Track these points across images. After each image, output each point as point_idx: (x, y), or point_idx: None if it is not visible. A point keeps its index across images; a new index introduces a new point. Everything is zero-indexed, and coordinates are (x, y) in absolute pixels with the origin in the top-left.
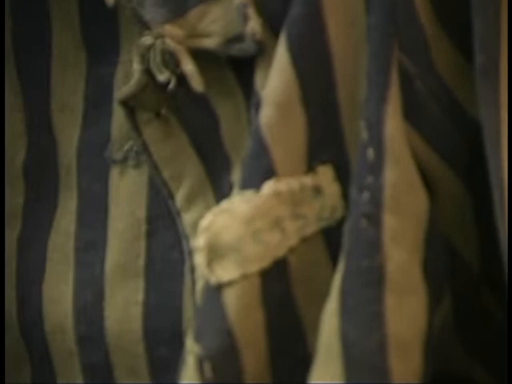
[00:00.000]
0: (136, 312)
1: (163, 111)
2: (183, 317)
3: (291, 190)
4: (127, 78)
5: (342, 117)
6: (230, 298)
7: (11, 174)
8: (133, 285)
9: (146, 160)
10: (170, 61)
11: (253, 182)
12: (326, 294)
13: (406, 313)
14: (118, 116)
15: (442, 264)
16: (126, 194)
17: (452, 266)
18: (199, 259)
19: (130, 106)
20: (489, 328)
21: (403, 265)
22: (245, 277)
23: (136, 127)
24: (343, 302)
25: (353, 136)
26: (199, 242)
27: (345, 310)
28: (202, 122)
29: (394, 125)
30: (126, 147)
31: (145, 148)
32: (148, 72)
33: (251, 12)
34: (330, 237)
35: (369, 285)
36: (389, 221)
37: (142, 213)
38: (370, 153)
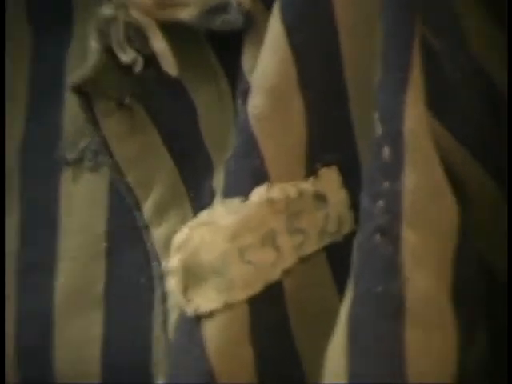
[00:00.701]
0: (93, 351)
1: (127, 100)
2: (152, 357)
3: (287, 197)
4: (82, 59)
5: (350, 107)
6: (212, 332)
7: None
8: (89, 317)
9: (107, 161)
10: (136, 37)
11: (239, 188)
12: (330, 327)
13: (432, 352)
14: (71, 106)
15: (476, 290)
16: (81, 202)
17: (488, 291)
18: (173, 285)
19: (86, 94)
20: None
21: (427, 292)
22: (230, 306)
23: (93, 120)
24: (353, 337)
25: (364, 131)
26: (173, 262)
27: (355, 348)
28: (176, 114)
29: (415, 116)
30: (81, 145)
31: (104, 146)
32: (108, 51)
33: None
34: (336, 256)
35: (385, 317)
36: (409, 236)
37: (100, 227)
38: (386, 152)
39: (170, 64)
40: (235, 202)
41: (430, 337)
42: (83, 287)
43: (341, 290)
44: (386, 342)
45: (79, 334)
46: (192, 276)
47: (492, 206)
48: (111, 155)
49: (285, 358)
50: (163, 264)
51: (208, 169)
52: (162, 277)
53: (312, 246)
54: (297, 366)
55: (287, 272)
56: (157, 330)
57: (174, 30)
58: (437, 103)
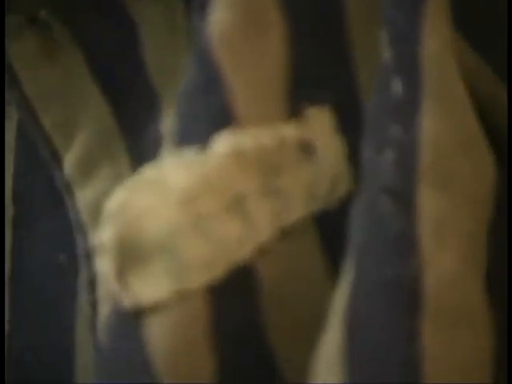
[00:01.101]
0: None
1: (43, 14)
2: (75, 365)
3: (261, 147)
4: None
5: (347, 23)
6: (158, 331)
7: None
8: None
9: (13, 97)
10: None
11: (197, 134)
12: (319, 325)
13: (457, 359)
14: None
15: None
16: None
17: None
18: (104, 266)
19: None
20: None
21: (453, 277)
22: (182, 296)
23: None
24: (351, 338)
25: (366, 56)
26: (104, 235)
27: (354, 352)
28: (108, 33)
29: (437, 35)
30: None
31: (11, 76)
32: None
33: None
34: (327, 227)
35: (395, 310)
36: (429, 201)
37: (8, 185)
38: (397, 85)
39: None
40: (190, 153)
41: (456, 338)
42: None
43: (334, 274)
44: (397, 345)
45: None
46: (131, 254)
47: None
48: (19, 89)
49: (256, 367)
50: (91, 238)
51: (152, 108)
52: (89, 255)
53: (295, 214)
54: (273, 376)
55: (261, 249)
56: (81, 329)
57: None
58: (466, 18)
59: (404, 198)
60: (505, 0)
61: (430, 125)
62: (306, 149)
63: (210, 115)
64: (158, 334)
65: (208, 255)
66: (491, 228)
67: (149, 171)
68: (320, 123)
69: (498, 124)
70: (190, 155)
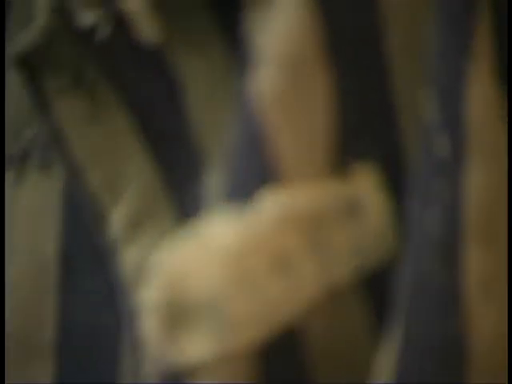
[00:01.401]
0: None
1: (88, 75)
2: None
3: (308, 205)
4: (26, 21)
5: (393, 83)
6: None
7: None
8: (35, 374)
9: (59, 157)
10: None
11: (242, 192)
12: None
13: None
14: (12, 83)
15: None
16: (26, 213)
17: None
18: (150, 324)
19: (33, 67)
20: None
21: (497, 332)
22: (228, 355)
23: (42, 102)
24: None
25: (411, 115)
26: (150, 295)
27: None
28: (152, 94)
29: (482, 96)
30: (26, 136)
31: (57, 137)
32: (61, 10)
33: None
34: (373, 286)
35: (443, 366)
36: (475, 259)
37: (50, 246)
38: (443, 142)
39: (148, 28)
40: (236, 211)
41: None
42: (27, 330)
43: (379, 333)
44: None
45: None
46: (177, 314)
47: None
48: (66, 149)
49: None
50: (136, 296)
51: (197, 167)
52: (134, 314)
53: (341, 271)
54: None
55: (307, 308)
56: None
57: None
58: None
59: (450, 255)
60: None
61: (475, 182)
62: (353, 207)
63: (256, 174)
64: None
65: (254, 314)
66: None
67: (194, 229)
68: (365, 179)
69: None
70: (236, 213)
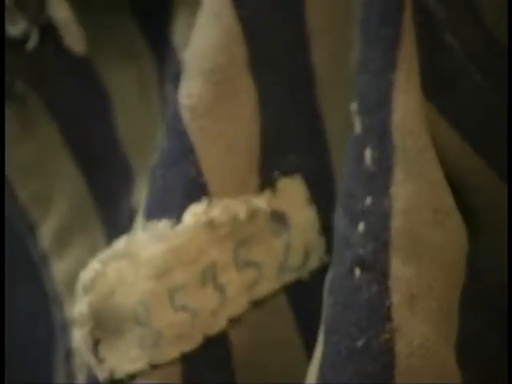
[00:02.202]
0: None
1: (18, 87)
2: None
3: (234, 219)
4: None
5: (318, 95)
6: None
7: None
8: None
9: None
10: (29, 2)
11: (169, 206)
12: None
13: None
14: None
15: (490, 343)
16: None
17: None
18: (79, 338)
19: None
20: None
21: (424, 345)
22: (156, 368)
23: None
24: None
25: (338, 127)
26: (79, 308)
27: None
28: (82, 106)
29: (406, 104)
30: None
31: None
32: None
33: None
34: (300, 299)
35: (368, 379)
36: (401, 271)
37: None
38: (368, 156)
39: (74, 38)
40: (163, 225)
41: None
42: None
43: (307, 346)
44: None
45: None
46: (105, 326)
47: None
48: None
49: None
50: (67, 309)
51: (126, 180)
52: (66, 327)
53: (268, 286)
54: None
55: (235, 321)
56: None
57: None
58: (437, 88)
59: (375, 268)
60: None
61: (401, 194)
62: (279, 220)
63: (182, 187)
64: None
65: (182, 326)
66: (464, 296)
67: (122, 244)
68: (292, 194)
69: (468, 192)
70: (161, 228)
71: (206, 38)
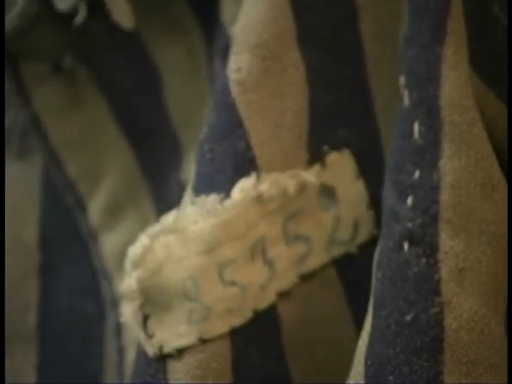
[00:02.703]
0: None
1: (67, 62)
2: None
3: (283, 193)
4: (6, 7)
5: (367, 70)
6: (181, 377)
7: None
8: (18, 358)
9: (38, 145)
10: None
11: (218, 180)
12: (342, 371)
13: None
14: None
15: None
16: (6, 200)
17: None
18: (128, 314)
19: (11, 55)
20: None
21: (473, 319)
22: (205, 342)
23: (20, 89)
24: (373, 382)
25: (386, 101)
26: (128, 284)
27: None
28: (131, 81)
29: (455, 81)
30: (6, 124)
31: (35, 124)
32: None
33: None
34: (349, 273)
35: (417, 355)
36: (450, 245)
37: (32, 233)
38: (417, 130)
39: (123, 12)
40: (212, 200)
41: (477, 378)
42: (10, 318)
43: (358, 320)
44: None
45: (7, 382)
46: (154, 302)
47: None
48: (44, 137)
49: None
50: (117, 284)
51: (175, 154)
52: (116, 302)
53: (317, 260)
54: None
55: (284, 295)
56: (108, 376)
57: None
58: (485, 63)
59: (424, 242)
60: None
61: (449, 168)
62: (328, 194)
63: (231, 162)
64: (181, 379)
65: (231, 301)
66: None
67: (171, 219)
68: (341, 168)
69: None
70: (210, 202)
71: (254, 13)
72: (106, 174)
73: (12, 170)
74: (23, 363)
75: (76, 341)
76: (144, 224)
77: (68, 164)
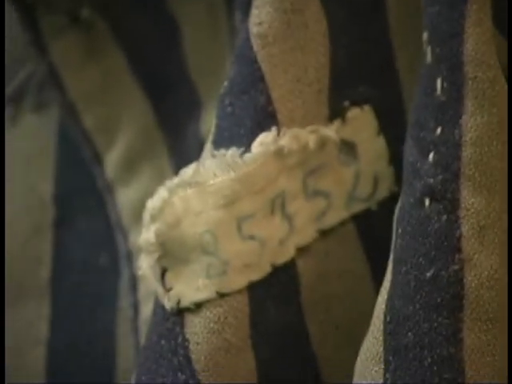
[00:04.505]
0: (36, 355)
1: (84, 13)
2: (117, 365)
3: (303, 148)
4: None
5: (389, 25)
6: (199, 331)
7: None
8: (31, 311)
9: (55, 97)
10: None
11: (237, 134)
12: (361, 326)
13: (498, 354)
14: (9, 22)
15: None
16: (22, 154)
17: None
18: (146, 267)
19: (28, 5)
20: None
21: (493, 277)
22: (224, 297)
23: (38, 41)
24: (393, 339)
25: (408, 58)
26: (146, 236)
27: (396, 353)
28: (150, 33)
29: (479, 35)
30: (22, 75)
31: (53, 76)
32: None
33: None
34: (369, 229)
35: (436, 311)
36: (472, 202)
37: (46, 187)
38: (439, 86)
39: None
40: (231, 154)
41: (496, 336)
42: (23, 271)
43: (376, 276)
44: (439, 345)
45: (18, 334)
46: (172, 255)
47: None
48: (62, 89)
49: (297, 365)
50: (132, 238)
51: (194, 107)
52: (131, 256)
53: (337, 215)
54: (313, 375)
55: (303, 250)
56: (124, 329)
57: None
58: (507, 17)
59: (446, 198)
60: None
61: (471, 125)
62: (348, 149)
63: (251, 116)
64: (198, 333)
65: (249, 255)
66: None
67: (189, 172)
68: (362, 124)
69: None
70: (230, 156)
71: None
72: (123, 126)
73: (28, 122)
74: (36, 316)
75: (90, 294)
76: (160, 178)
77: (85, 116)
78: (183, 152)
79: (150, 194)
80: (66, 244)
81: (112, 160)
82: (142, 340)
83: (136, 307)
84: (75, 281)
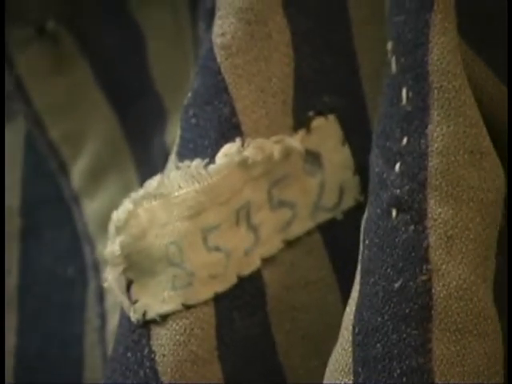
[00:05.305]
0: (5, 365)
1: (50, 25)
2: (84, 375)
3: (268, 158)
4: None
5: (353, 35)
6: (165, 343)
7: None
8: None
9: (22, 108)
10: None
11: (202, 145)
12: (328, 337)
13: (469, 365)
14: None
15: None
16: None
17: None
18: (111, 279)
19: None
20: None
21: (462, 286)
22: (190, 308)
23: (4, 53)
24: (361, 350)
25: (373, 67)
26: (111, 248)
27: (364, 364)
28: (115, 44)
29: (444, 47)
30: None
31: (19, 89)
32: None
33: None
34: (335, 240)
35: (405, 322)
36: (438, 211)
37: (13, 197)
38: (404, 96)
39: None
40: (196, 165)
41: (467, 346)
42: None
43: (343, 286)
44: (408, 356)
45: None
46: (138, 267)
47: None
48: (27, 101)
49: (264, 376)
50: (99, 249)
51: (159, 119)
52: (98, 266)
53: (302, 226)
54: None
55: (268, 261)
56: (91, 339)
57: None
58: (472, 26)
59: (412, 209)
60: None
61: (437, 134)
62: (313, 159)
63: (215, 127)
64: (165, 345)
65: (215, 267)
66: (500, 236)
67: (154, 184)
68: (327, 133)
69: (505, 133)
70: (194, 167)
71: None
72: (89, 138)
73: None
74: (5, 324)
75: (57, 305)
76: (127, 189)
77: (51, 128)
78: (149, 163)
79: (116, 205)
80: (33, 255)
81: (78, 171)
82: (110, 350)
83: (103, 317)
84: (42, 291)
